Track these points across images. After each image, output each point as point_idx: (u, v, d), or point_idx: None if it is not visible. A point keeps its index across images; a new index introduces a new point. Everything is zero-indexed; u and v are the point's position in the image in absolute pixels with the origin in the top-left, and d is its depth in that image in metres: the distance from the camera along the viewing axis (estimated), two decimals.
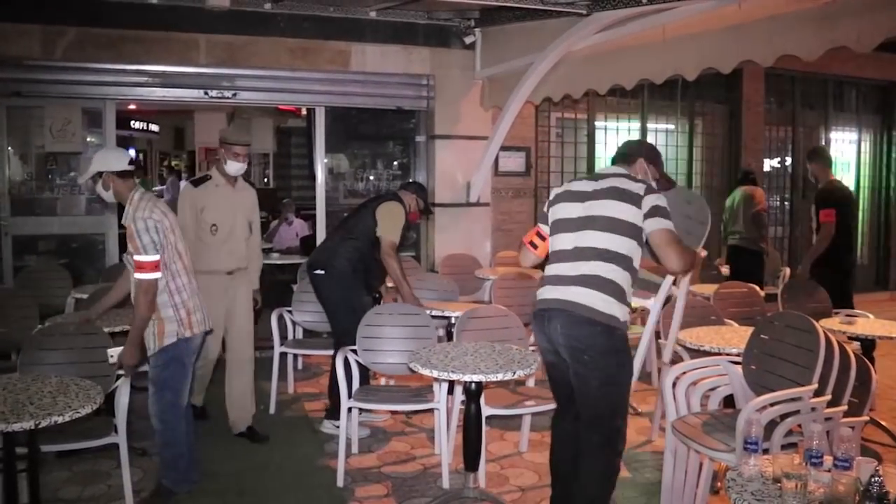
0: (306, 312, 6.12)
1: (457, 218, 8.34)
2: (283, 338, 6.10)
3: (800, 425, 3.67)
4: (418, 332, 4.97)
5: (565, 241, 3.56)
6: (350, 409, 4.78)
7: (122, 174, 4.16)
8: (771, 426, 3.53)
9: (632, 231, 3.44)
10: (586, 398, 3.47)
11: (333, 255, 5.40)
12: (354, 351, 4.91)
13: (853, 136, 11.60)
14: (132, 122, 15.70)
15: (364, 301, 5.46)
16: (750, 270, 7.61)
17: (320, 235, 8.05)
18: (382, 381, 5.93)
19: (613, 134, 9.65)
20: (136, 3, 7.10)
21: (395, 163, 9.47)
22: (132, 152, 17.12)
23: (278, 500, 4.37)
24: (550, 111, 9.06)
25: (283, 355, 6.13)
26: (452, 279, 6.90)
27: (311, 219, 9.03)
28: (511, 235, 8.69)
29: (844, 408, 3.79)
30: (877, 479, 2.27)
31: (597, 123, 9.54)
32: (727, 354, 4.41)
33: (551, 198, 3.77)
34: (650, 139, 9.82)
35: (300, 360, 6.97)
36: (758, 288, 6.40)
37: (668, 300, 4.82)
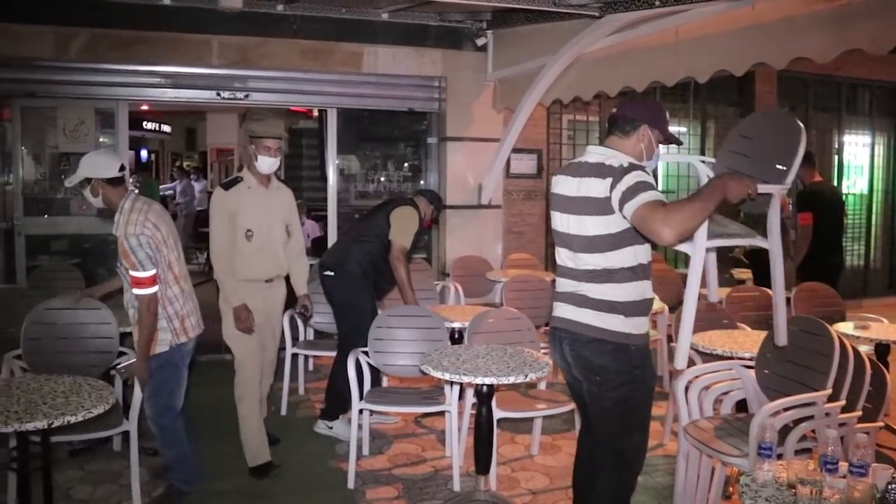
0: (318, 314, 6.13)
1: (468, 220, 8.33)
2: (295, 339, 6.11)
3: (813, 431, 3.65)
4: (430, 334, 4.96)
5: (561, 255, 3.35)
6: (361, 411, 4.78)
7: (112, 181, 4.01)
8: (784, 431, 3.51)
9: (618, 241, 3.12)
10: (599, 418, 3.33)
11: (345, 256, 5.39)
12: (366, 352, 4.91)
13: (867, 139, 11.52)
14: (144, 123, 15.76)
15: (373, 304, 5.46)
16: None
17: (332, 237, 8.06)
18: (385, 382, 5.91)
19: None
20: (148, 5, 7.12)
21: (407, 164, 9.46)
22: (144, 153, 17.22)
23: (289, 501, 4.37)
24: (562, 113, 9.05)
25: (295, 356, 6.14)
26: (463, 281, 6.90)
27: (322, 220, 9.03)
28: (522, 237, 8.69)
29: (859, 413, 3.78)
30: (894, 486, 2.26)
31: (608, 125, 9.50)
32: (740, 359, 4.39)
33: (551, 195, 3.54)
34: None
35: (311, 361, 6.97)
36: (770, 291, 6.36)
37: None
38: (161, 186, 15.57)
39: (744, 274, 7.99)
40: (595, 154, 3.29)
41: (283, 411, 5.90)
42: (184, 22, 7.22)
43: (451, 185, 8.28)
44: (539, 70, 6.99)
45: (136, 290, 3.92)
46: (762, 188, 3.22)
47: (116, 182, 4.02)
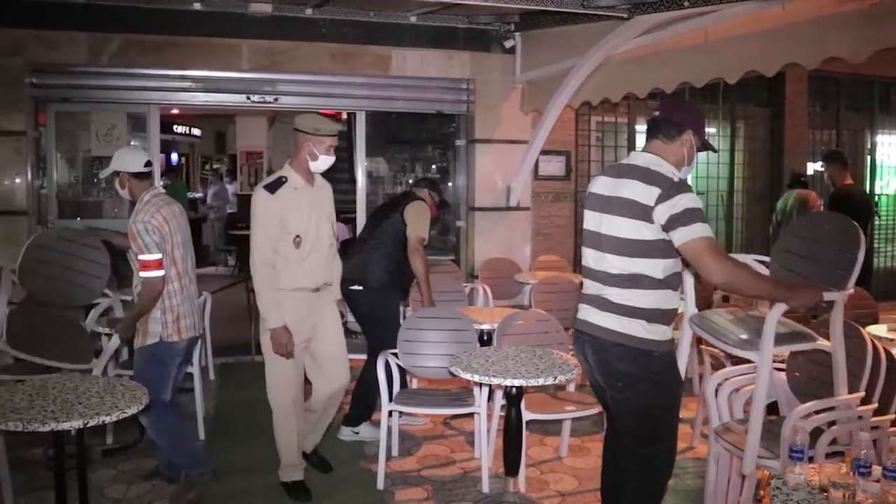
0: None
1: (496, 222, 8.33)
2: None
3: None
4: (459, 335, 4.97)
5: (589, 257, 3.31)
6: (390, 413, 4.79)
7: (137, 175, 4.32)
8: (815, 434, 3.48)
9: (650, 249, 3.08)
10: (624, 423, 3.31)
11: (370, 268, 5.29)
12: (395, 354, 4.93)
13: None
14: (175, 127, 15.91)
15: (400, 307, 5.46)
16: None
17: None
18: (413, 384, 5.92)
19: None
20: (179, 10, 7.21)
21: (435, 166, 9.49)
22: (174, 156, 17.39)
23: (319, 501, 4.40)
24: (591, 115, 9.02)
25: None
26: (491, 283, 6.90)
27: (350, 222, 9.08)
28: (551, 239, 8.67)
29: (893, 416, 3.73)
30: None
31: (637, 127, 9.47)
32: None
33: (586, 195, 3.49)
34: None
35: None
36: None
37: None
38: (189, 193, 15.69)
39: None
40: (639, 159, 3.24)
41: None
42: (214, 27, 7.30)
43: (479, 187, 8.29)
44: (567, 72, 6.98)
45: (143, 273, 4.11)
46: (828, 296, 3.28)
47: (142, 176, 4.34)
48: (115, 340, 4.61)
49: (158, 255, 4.10)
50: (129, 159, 4.34)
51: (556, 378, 3.79)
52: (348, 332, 5.93)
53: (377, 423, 4.92)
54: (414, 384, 5.79)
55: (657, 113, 3.33)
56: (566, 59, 7.05)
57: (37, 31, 6.93)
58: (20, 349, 4.78)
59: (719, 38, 5.85)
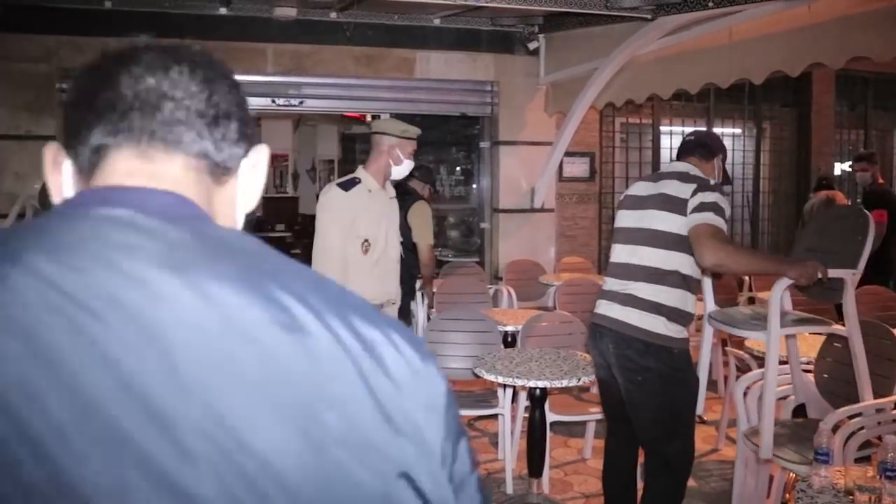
0: None
1: (521, 224, 8.34)
2: None
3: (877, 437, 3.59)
4: (483, 337, 4.99)
5: (620, 253, 3.40)
6: None
7: None
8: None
9: (681, 243, 3.18)
10: (641, 420, 3.35)
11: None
12: None
13: None
14: None
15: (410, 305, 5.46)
16: None
17: None
18: None
19: (679, 138, 9.51)
20: (205, 15, 7.28)
21: (459, 168, 9.50)
22: None
23: None
24: (615, 116, 9.00)
25: None
26: (516, 285, 6.91)
27: None
28: (575, 241, 8.66)
29: None
30: None
31: (662, 128, 9.44)
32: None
33: (617, 204, 3.68)
34: None
35: None
36: None
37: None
38: None
39: None
40: (678, 166, 3.43)
41: None
42: (239, 31, 7.37)
43: (503, 188, 8.29)
44: (591, 73, 6.98)
45: None
46: (833, 272, 3.27)
47: None
48: None
49: None
50: None
51: (580, 380, 3.80)
52: None
53: None
54: None
55: (691, 137, 3.59)
56: (590, 61, 7.05)
57: (67, 38, 7.03)
58: None
59: (744, 39, 5.83)
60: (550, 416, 4.21)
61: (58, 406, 0.66)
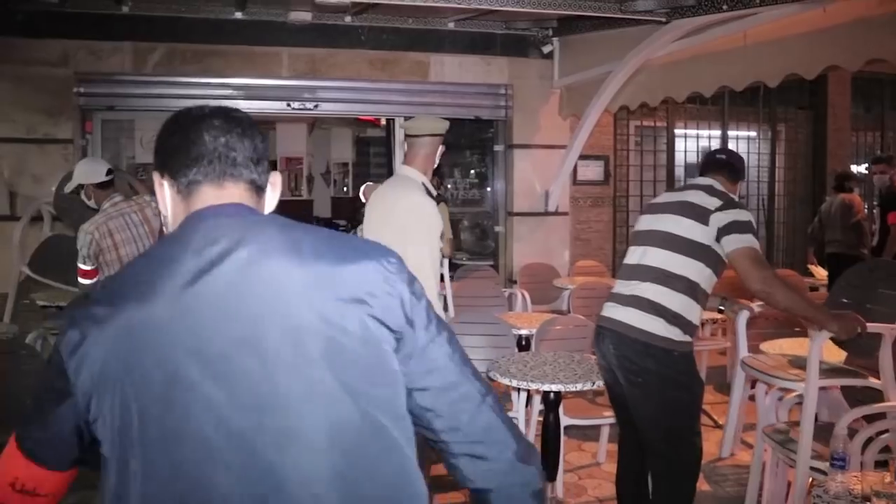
0: None
1: (535, 227, 8.34)
2: None
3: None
4: (497, 340, 4.98)
5: (632, 255, 3.44)
6: None
7: (100, 185, 4.68)
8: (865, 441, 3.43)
9: (695, 251, 3.20)
10: (642, 422, 3.35)
11: None
12: None
13: None
14: None
15: None
16: None
17: None
18: None
19: (693, 141, 9.52)
20: (221, 20, 7.33)
21: (473, 172, 9.51)
22: None
23: None
24: (629, 119, 8.99)
25: None
26: (530, 288, 6.91)
27: None
28: (589, 245, 8.66)
29: None
30: None
31: (676, 131, 9.42)
32: None
33: (646, 206, 3.72)
34: (731, 146, 9.67)
35: None
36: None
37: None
38: None
39: (818, 277, 7.83)
40: (706, 180, 3.45)
41: None
42: (255, 35, 7.41)
43: (517, 192, 8.30)
44: (605, 77, 6.97)
45: (82, 280, 4.54)
46: (873, 327, 3.31)
47: (105, 185, 4.72)
48: None
49: (91, 267, 4.49)
50: (91, 171, 4.70)
51: (594, 383, 3.80)
52: None
53: None
54: None
55: (723, 156, 3.60)
56: (604, 64, 7.04)
57: (84, 42, 7.10)
58: (39, 274, 5.53)
59: (759, 41, 5.81)
60: (565, 420, 4.20)
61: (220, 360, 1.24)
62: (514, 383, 3.87)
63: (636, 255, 3.39)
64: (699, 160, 9.38)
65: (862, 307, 3.74)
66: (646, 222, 3.47)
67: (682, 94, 6.89)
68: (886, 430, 3.49)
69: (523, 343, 5.40)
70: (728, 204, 3.24)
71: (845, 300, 3.92)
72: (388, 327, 1.31)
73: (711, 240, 3.19)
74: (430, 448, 1.47)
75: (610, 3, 5.96)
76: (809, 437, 3.52)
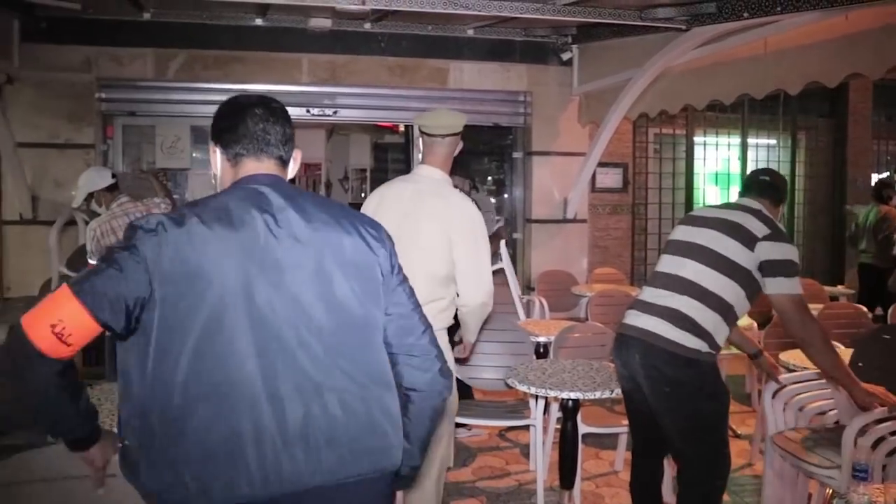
0: None
1: (553, 234, 8.33)
2: None
3: None
4: (515, 348, 4.98)
5: (667, 264, 3.37)
6: None
7: (108, 188, 4.96)
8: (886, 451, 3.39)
9: (735, 272, 3.16)
10: (669, 432, 3.31)
11: None
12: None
13: None
14: None
15: None
16: (880, 289, 7.40)
17: None
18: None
19: (713, 149, 9.49)
20: (242, 26, 7.38)
21: (491, 178, 9.51)
22: None
23: None
24: (648, 127, 8.97)
25: None
26: (548, 296, 6.90)
27: None
28: (608, 252, 8.64)
29: None
30: None
31: (695, 139, 9.39)
32: None
33: (685, 216, 3.65)
34: (751, 155, 9.63)
35: None
36: (865, 308, 6.18)
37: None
38: None
39: (838, 291, 7.78)
40: (753, 203, 3.36)
41: None
42: (275, 41, 7.47)
43: (536, 199, 8.29)
44: (625, 84, 6.97)
45: None
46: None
47: (112, 188, 4.98)
48: None
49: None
50: (98, 177, 4.97)
51: (613, 391, 3.78)
52: None
53: None
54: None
55: (767, 177, 3.49)
56: (623, 71, 7.04)
57: (106, 48, 7.18)
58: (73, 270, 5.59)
59: (780, 49, 5.79)
60: (583, 428, 4.19)
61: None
62: (533, 390, 3.86)
63: (672, 265, 3.32)
64: (718, 168, 9.41)
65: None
66: (685, 233, 3.39)
67: (702, 102, 6.87)
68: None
69: (541, 350, 5.39)
70: (776, 234, 3.17)
71: (878, 368, 3.86)
72: (381, 267, 1.93)
73: (754, 266, 3.15)
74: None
75: (630, 10, 5.96)
76: None
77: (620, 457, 5.08)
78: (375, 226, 1.97)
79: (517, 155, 8.56)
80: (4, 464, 1.97)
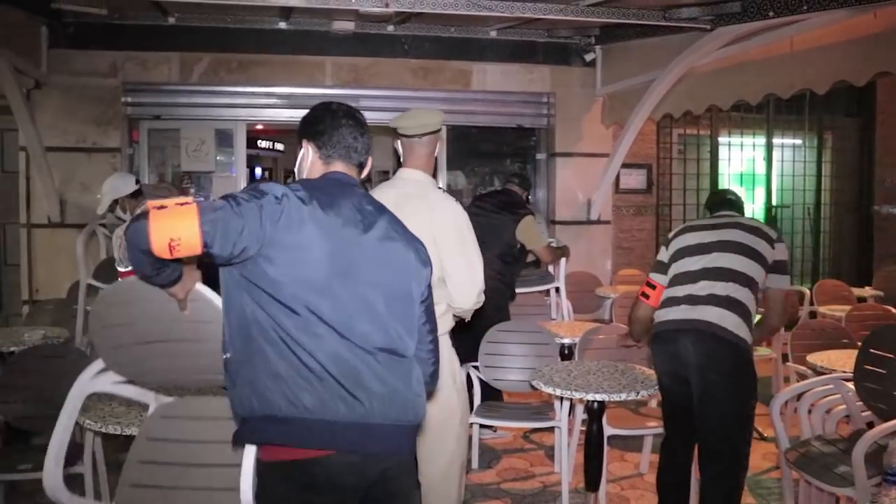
0: None
1: (577, 235, 8.30)
2: None
3: None
4: (540, 349, 4.97)
5: (692, 263, 3.60)
6: (471, 425, 4.80)
7: (133, 195, 4.95)
8: None
9: (761, 261, 3.53)
10: (711, 423, 3.46)
11: (490, 279, 5.36)
12: (476, 367, 4.95)
13: None
14: (259, 142, 16.25)
15: None
16: None
17: None
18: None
19: (738, 150, 9.42)
20: (265, 30, 7.43)
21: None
22: (258, 170, 17.77)
23: None
24: (672, 127, 8.92)
25: None
26: (572, 297, 6.87)
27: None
28: (632, 253, 8.60)
29: None
30: None
31: (720, 139, 9.33)
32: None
33: (670, 236, 3.85)
34: (776, 155, 9.56)
35: None
36: (893, 309, 6.11)
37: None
38: None
39: (866, 292, 7.68)
40: (747, 219, 3.82)
41: None
42: (298, 44, 7.51)
43: (559, 200, 8.27)
44: (649, 84, 6.93)
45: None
46: None
47: (136, 194, 4.98)
48: None
49: (127, 269, 4.49)
50: (122, 184, 4.98)
51: (638, 393, 3.77)
52: None
53: None
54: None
55: (734, 196, 4.00)
56: (647, 72, 7.00)
57: (132, 53, 7.25)
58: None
59: (806, 48, 5.74)
60: (608, 430, 4.18)
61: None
62: (558, 392, 3.85)
63: (704, 262, 3.55)
64: (743, 169, 9.34)
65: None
66: (700, 237, 3.66)
67: (727, 102, 6.82)
68: None
69: (566, 352, 5.38)
70: (780, 237, 3.65)
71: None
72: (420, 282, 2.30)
73: (770, 261, 3.55)
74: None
75: (653, 10, 5.93)
76: None
77: (646, 459, 5.05)
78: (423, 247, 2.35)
79: (540, 156, 8.55)
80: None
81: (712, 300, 3.45)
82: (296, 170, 2.43)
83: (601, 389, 3.78)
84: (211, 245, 1.90)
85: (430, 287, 2.32)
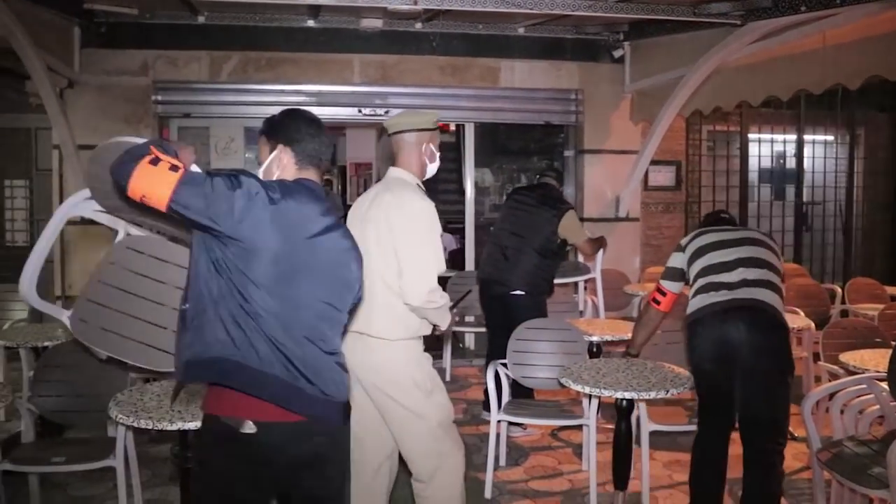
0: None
1: (605, 232, 8.15)
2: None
3: None
4: (569, 347, 4.95)
5: (724, 255, 3.78)
6: (499, 422, 4.81)
7: None
8: None
9: (778, 260, 3.85)
10: (758, 409, 3.61)
11: (528, 273, 5.46)
12: (505, 364, 4.95)
13: None
14: None
15: None
16: None
17: (469, 250, 8.19)
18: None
19: (768, 146, 9.33)
20: (294, 27, 7.46)
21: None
22: None
23: None
24: (702, 124, 8.85)
25: None
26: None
27: (458, 233, 9.14)
28: (661, 251, 8.54)
29: None
30: None
31: (750, 136, 9.25)
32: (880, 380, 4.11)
33: (683, 242, 4.01)
34: (807, 151, 9.46)
35: (448, 371, 7.06)
36: None
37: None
38: None
39: None
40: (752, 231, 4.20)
41: None
42: (327, 42, 7.54)
43: (588, 197, 8.24)
44: (678, 81, 6.88)
45: None
46: None
47: None
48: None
49: None
50: None
51: (668, 392, 3.75)
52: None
53: None
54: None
55: (728, 215, 4.37)
56: (676, 68, 6.95)
57: (162, 52, 7.32)
58: None
59: (839, 43, 5.67)
60: (650, 426, 4.20)
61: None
62: (587, 390, 3.85)
63: (735, 253, 3.76)
64: (773, 166, 9.26)
65: None
66: (726, 234, 3.89)
67: (758, 98, 6.75)
68: None
69: (594, 350, 5.36)
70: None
71: None
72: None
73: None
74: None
75: (683, 6, 5.89)
76: None
77: (674, 457, 5.03)
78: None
79: (569, 153, 8.51)
80: None
81: (754, 283, 3.64)
82: (262, 169, 2.54)
83: (630, 387, 3.77)
84: (174, 213, 2.12)
85: (356, 302, 2.52)
